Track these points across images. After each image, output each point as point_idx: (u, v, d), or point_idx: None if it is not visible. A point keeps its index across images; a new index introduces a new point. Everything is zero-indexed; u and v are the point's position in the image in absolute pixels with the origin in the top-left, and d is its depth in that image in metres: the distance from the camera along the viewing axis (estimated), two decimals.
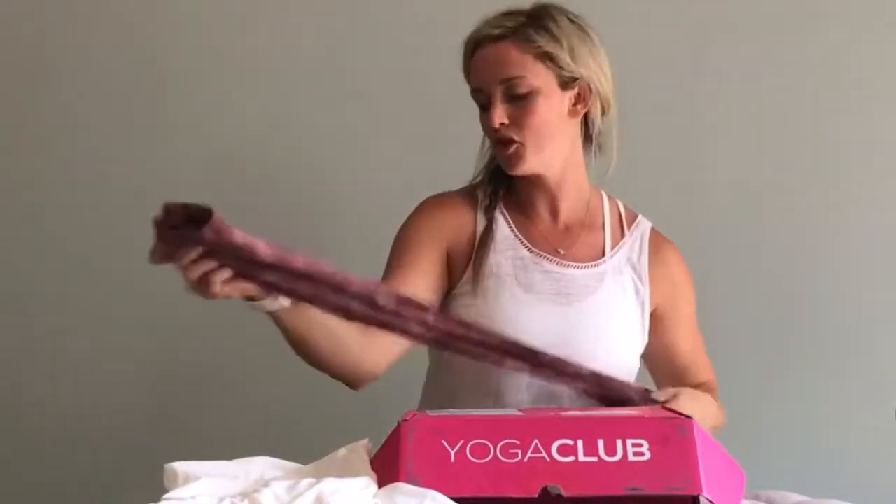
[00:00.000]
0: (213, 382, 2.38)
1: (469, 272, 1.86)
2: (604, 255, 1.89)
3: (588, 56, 1.83)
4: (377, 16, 2.37)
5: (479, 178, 1.93)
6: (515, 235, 1.89)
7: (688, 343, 1.95)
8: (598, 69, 1.84)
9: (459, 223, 1.89)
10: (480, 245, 1.87)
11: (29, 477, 2.38)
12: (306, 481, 1.37)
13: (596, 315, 1.84)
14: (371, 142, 2.37)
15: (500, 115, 1.81)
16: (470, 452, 1.37)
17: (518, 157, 1.83)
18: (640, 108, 2.29)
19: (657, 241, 1.94)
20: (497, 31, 1.81)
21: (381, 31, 2.36)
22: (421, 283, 1.82)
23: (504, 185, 1.92)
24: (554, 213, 1.91)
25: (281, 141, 2.38)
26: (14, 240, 2.39)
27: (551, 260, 1.87)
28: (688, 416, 1.43)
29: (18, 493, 2.38)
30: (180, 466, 1.41)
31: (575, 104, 1.85)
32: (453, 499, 1.30)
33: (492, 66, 1.81)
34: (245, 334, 2.36)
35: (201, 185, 2.32)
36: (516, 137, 1.82)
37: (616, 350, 1.84)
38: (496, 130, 1.82)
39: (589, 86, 1.84)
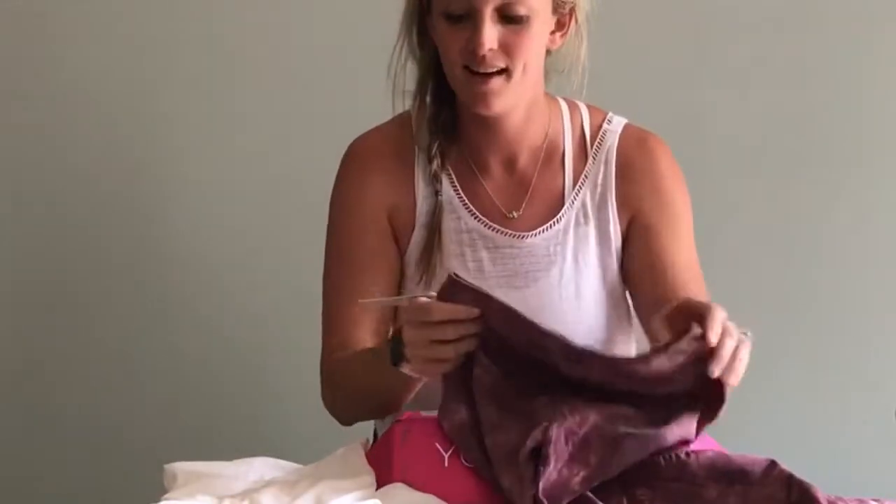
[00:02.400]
0: (213, 382, 2.38)
1: (417, 264, 1.65)
2: (564, 202, 1.66)
3: None
4: None
5: (422, 134, 1.67)
6: (460, 198, 1.67)
7: (684, 255, 1.67)
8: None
9: (399, 187, 1.67)
10: (430, 235, 1.65)
11: (27, 476, 2.38)
12: (306, 481, 1.38)
13: (558, 294, 1.63)
14: None
15: (490, 39, 1.53)
16: (463, 456, 1.36)
17: (497, 93, 1.56)
18: (639, 108, 2.29)
19: (627, 148, 1.68)
20: None
21: None
22: (382, 284, 1.62)
23: (448, 139, 1.66)
24: (510, 164, 1.67)
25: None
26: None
27: (500, 231, 1.65)
28: None
29: (17, 493, 2.38)
30: (180, 466, 1.41)
31: (554, 31, 1.62)
32: None
33: None
34: (245, 334, 2.37)
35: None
36: (503, 65, 1.55)
37: (593, 330, 1.64)
38: (481, 58, 1.54)
39: (573, 11, 1.62)
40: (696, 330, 1.32)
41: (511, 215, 1.67)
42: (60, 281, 2.38)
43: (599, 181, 1.67)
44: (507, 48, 1.55)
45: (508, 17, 1.55)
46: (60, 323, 2.38)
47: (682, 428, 1.34)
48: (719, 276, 2.33)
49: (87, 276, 2.37)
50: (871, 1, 2.32)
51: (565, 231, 1.66)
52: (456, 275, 1.38)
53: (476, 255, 1.66)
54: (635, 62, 2.28)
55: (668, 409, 1.35)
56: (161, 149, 2.35)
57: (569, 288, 1.64)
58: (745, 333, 1.36)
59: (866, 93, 2.34)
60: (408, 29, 1.66)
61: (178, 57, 2.33)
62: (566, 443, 1.31)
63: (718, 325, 1.32)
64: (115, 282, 2.37)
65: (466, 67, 1.57)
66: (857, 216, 2.35)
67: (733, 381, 1.34)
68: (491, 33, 1.54)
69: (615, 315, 1.69)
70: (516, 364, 1.38)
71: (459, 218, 1.66)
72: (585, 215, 1.67)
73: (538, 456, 1.30)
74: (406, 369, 1.45)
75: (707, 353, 1.31)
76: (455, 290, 1.39)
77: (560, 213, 1.66)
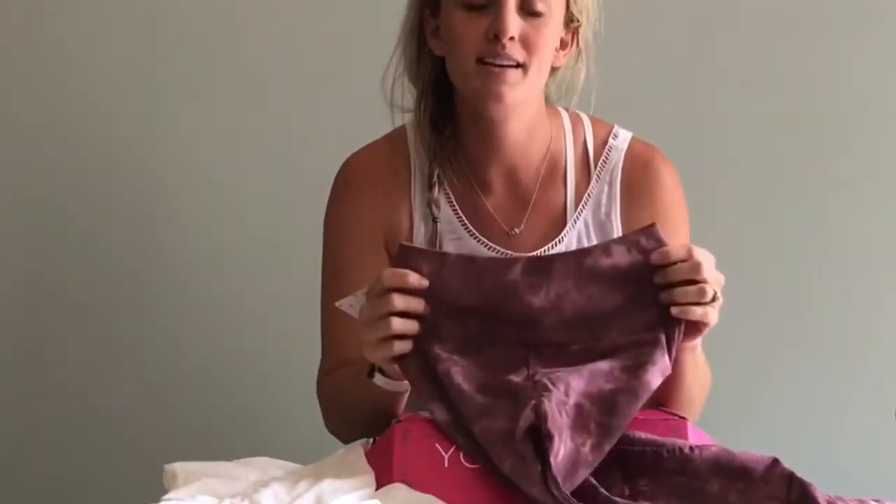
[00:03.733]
0: (213, 382, 2.38)
1: None
2: (566, 222, 1.64)
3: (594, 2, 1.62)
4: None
5: (422, 161, 1.65)
6: (459, 218, 1.65)
7: None
8: (594, 19, 1.63)
9: (395, 209, 1.65)
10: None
11: (27, 476, 2.38)
12: (306, 481, 1.38)
13: None
14: None
15: (513, 26, 1.54)
16: (463, 457, 1.35)
17: (512, 85, 1.55)
18: (638, 108, 2.29)
19: (633, 170, 1.66)
20: None
21: None
22: None
23: (450, 160, 1.65)
24: (510, 178, 1.65)
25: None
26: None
27: (501, 251, 1.63)
28: (682, 418, 1.43)
29: (17, 493, 2.38)
30: (180, 466, 1.41)
31: (558, 48, 1.63)
32: None
33: None
34: (246, 334, 2.37)
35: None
36: (520, 59, 1.55)
37: None
38: (501, 45, 1.54)
39: (577, 32, 1.63)
40: (658, 230, 1.38)
41: (512, 232, 1.65)
42: (60, 280, 2.37)
43: (603, 201, 1.66)
44: (525, 41, 1.55)
45: (528, 11, 1.55)
46: (59, 322, 2.38)
47: (659, 366, 1.35)
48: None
49: (87, 276, 2.37)
50: (871, 1, 2.32)
51: (566, 250, 1.64)
52: (406, 243, 1.40)
53: None
54: (634, 61, 2.28)
55: (637, 352, 1.36)
56: (162, 149, 2.35)
57: None
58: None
59: (866, 93, 2.34)
60: (406, 43, 1.65)
61: (180, 58, 2.33)
62: (560, 414, 1.31)
63: (686, 248, 1.38)
64: (116, 282, 2.37)
65: (481, 60, 1.56)
66: (857, 216, 2.35)
67: (688, 311, 1.38)
68: (514, 21, 1.54)
69: None
70: (480, 339, 1.38)
71: (459, 238, 1.64)
72: (588, 235, 1.65)
73: (535, 434, 1.30)
74: (378, 380, 1.46)
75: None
76: (407, 257, 1.40)
77: (563, 233, 1.65)
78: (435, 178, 1.64)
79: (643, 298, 1.38)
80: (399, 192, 1.66)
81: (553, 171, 1.66)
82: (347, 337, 1.59)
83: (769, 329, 2.36)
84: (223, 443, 2.29)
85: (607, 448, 1.31)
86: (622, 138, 1.69)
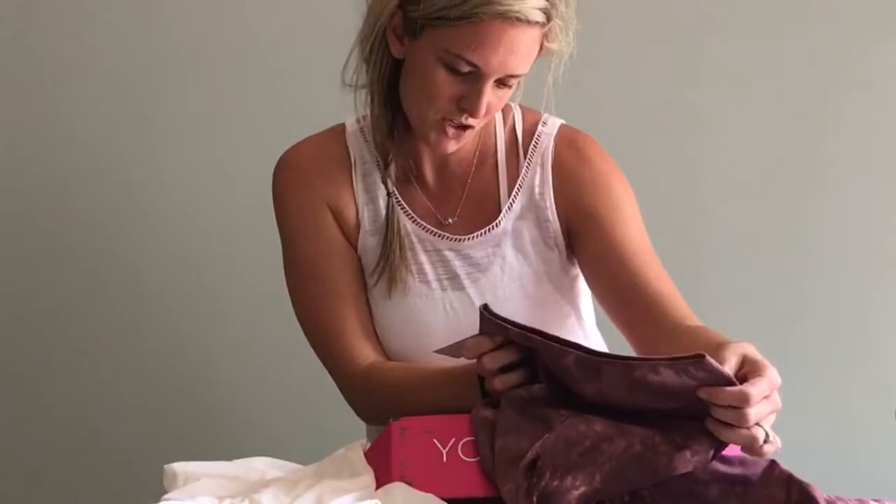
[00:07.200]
0: (212, 383, 2.38)
1: (374, 270, 1.66)
2: (500, 208, 1.66)
3: (565, 34, 1.56)
4: None
5: (380, 141, 1.65)
6: (399, 203, 1.67)
7: (635, 240, 1.62)
8: (565, 45, 1.57)
9: (340, 191, 1.68)
10: (387, 240, 1.65)
11: (28, 477, 2.38)
12: (306, 481, 1.38)
13: (501, 292, 1.64)
14: None
15: (485, 107, 1.54)
16: (462, 451, 1.36)
17: (462, 140, 1.59)
18: (637, 108, 2.29)
19: (563, 152, 1.66)
20: (535, 14, 1.49)
21: None
22: (356, 283, 1.66)
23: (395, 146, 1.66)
24: (444, 171, 1.68)
25: None
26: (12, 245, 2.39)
27: (439, 234, 1.67)
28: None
29: (18, 493, 2.38)
30: (180, 467, 1.41)
31: None
32: (448, 500, 1.30)
33: (510, 55, 1.50)
34: (245, 335, 2.37)
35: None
36: (476, 125, 1.57)
37: (543, 323, 1.54)
38: (465, 118, 1.55)
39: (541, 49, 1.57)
40: (709, 363, 1.27)
41: (447, 222, 1.68)
42: (61, 280, 2.38)
43: (536, 183, 1.67)
44: (487, 108, 1.55)
45: (501, 83, 1.54)
46: (59, 322, 2.39)
47: (699, 455, 1.29)
48: (719, 276, 2.35)
49: (88, 277, 2.37)
50: (870, 1, 2.33)
51: (503, 234, 1.66)
52: (484, 307, 1.39)
53: (416, 258, 1.67)
54: (635, 62, 2.29)
55: (687, 432, 1.30)
56: (154, 149, 2.36)
57: (512, 286, 1.66)
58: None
59: (866, 92, 2.34)
60: (366, 38, 1.62)
61: (172, 58, 2.34)
62: (568, 451, 1.30)
63: (763, 390, 1.34)
64: (115, 282, 2.37)
65: (442, 117, 1.56)
66: (857, 216, 2.35)
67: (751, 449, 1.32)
68: (487, 99, 1.54)
69: (562, 307, 1.70)
70: (552, 384, 1.38)
71: (399, 221, 1.67)
72: (523, 217, 1.66)
73: (535, 467, 1.29)
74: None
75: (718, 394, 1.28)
76: (483, 322, 1.41)
77: (498, 218, 1.66)
78: (391, 157, 1.65)
79: (696, 410, 1.29)
80: (342, 180, 1.68)
81: (484, 160, 1.68)
82: (347, 326, 1.64)
83: (769, 328, 2.36)
84: (223, 443, 2.29)
85: (594, 500, 1.28)
86: (552, 125, 1.69)
